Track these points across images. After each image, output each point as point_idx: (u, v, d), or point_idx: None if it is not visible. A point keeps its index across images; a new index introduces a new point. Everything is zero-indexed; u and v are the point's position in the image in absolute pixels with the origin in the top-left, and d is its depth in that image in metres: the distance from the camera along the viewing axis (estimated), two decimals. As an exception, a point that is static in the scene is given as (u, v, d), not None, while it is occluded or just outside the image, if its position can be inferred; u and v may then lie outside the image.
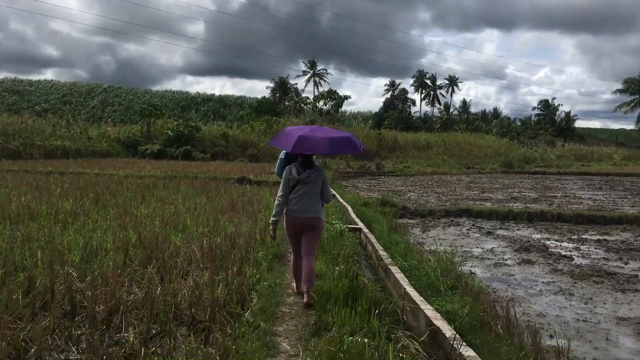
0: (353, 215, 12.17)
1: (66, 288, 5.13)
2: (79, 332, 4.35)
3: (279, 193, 5.65)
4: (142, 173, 24.17)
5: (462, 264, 7.35)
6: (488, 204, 17.50)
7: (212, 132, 50.23)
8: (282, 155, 6.25)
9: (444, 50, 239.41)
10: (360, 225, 10.77)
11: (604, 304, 6.51)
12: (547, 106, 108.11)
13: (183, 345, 4.07)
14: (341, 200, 15.54)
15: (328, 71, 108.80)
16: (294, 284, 5.86)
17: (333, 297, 4.82)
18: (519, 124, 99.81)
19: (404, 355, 3.70)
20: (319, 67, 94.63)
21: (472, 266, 8.21)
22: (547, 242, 10.76)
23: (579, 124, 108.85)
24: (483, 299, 6.01)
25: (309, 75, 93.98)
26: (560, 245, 10.44)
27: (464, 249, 10.09)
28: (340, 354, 3.57)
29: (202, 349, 3.91)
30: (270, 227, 5.73)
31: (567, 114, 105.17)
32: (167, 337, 4.15)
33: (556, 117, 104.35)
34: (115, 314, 4.60)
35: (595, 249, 10.17)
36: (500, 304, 6.29)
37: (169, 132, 45.25)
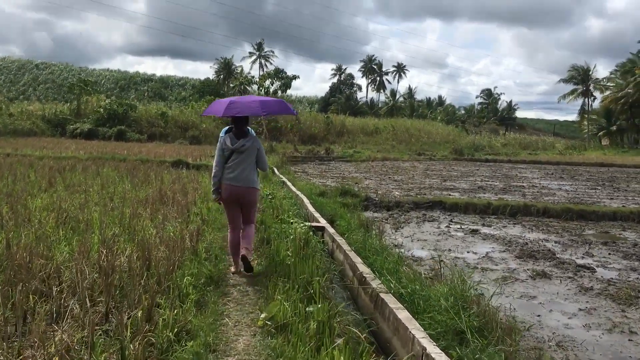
0: (311, 209, 9.90)
1: None
2: None
3: (214, 164, 5.64)
4: (63, 154, 21.04)
5: (477, 287, 5.20)
6: (456, 194, 15.66)
7: (150, 112, 46.59)
8: (222, 133, 5.92)
9: (387, 39, 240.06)
10: (323, 222, 8.50)
11: (689, 350, 4.54)
12: (489, 95, 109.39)
13: None
14: (294, 188, 13.24)
15: (275, 53, 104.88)
16: (232, 267, 5.68)
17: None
18: (463, 112, 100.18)
19: None
20: (265, 49, 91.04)
21: (481, 284, 6.09)
22: (549, 245, 8.85)
23: (517, 114, 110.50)
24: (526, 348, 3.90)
25: (255, 57, 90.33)
26: (566, 250, 8.54)
27: (453, 255, 8.02)
28: None
29: None
30: (213, 197, 5.76)
31: (509, 103, 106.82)
32: None
33: (498, 106, 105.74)
34: None
35: (610, 254, 8.32)
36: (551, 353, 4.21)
37: (101, 110, 41.36)
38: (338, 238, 7.24)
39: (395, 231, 9.96)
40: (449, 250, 8.37)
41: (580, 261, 7.67)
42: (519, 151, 54.31)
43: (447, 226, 10.61)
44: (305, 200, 11.01)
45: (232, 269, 5.64)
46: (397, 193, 15.35)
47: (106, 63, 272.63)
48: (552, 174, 27.30)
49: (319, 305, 3.68)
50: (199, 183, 12.85)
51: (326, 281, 4.63)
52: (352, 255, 6.18)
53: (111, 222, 7.18)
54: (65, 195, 9.68)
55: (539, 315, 5.35)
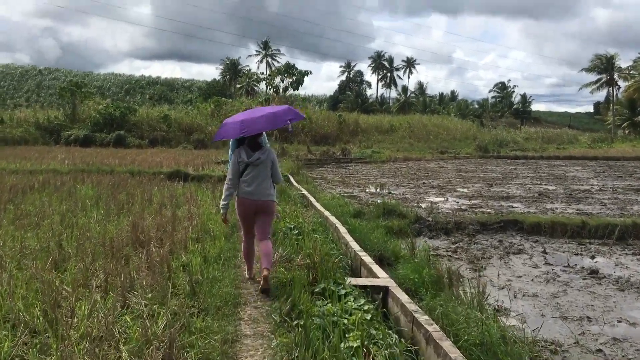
0: (354, 246, 6.81)
1: None
2: None
3: (228, 177, 5.39)
4: (43, 166, 18.07)
5: None
6: (518, 206, 12.56)
7: (151, 115, 43.49)
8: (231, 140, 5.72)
9: (393, 36, 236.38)
10: (384, 277, 5.41)
11: None
12: (503, 88, 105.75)
13: None
14: (320, 208, 10.16)
15: (281, 52, 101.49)
16: (246, 272, 5.65)
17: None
18: (476, 106, 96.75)
19: None
20: (272, 48, 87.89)
21: None
22: None
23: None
24: None
25: (262, 56, 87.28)
26: None
27: (603, 331, 4.93)
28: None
29: None
30: (221, 212, 5.41)
31: (524, 96, 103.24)
32: None
33: (513, 100, 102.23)
34: None
35: None
36: None
37: (97, 114, 38.41)
38: (423, 319, 4.16)
39: (478, 275, 6.86)
40: (588, 319, 5.26)
41: None
42: (546, 146, 50.95)
43: (545, 263, 7.50)
44: (341, 229, 7.94)
45: (246, 274, 5.64)
46: (443, 205, 12.21)
47: (113, 68, 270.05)
48: (604, 172, 24.03)
49: None
50: (198, 205, 9.78)
51: None
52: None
53: (31, 305, 4.15)
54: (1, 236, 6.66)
55: None
